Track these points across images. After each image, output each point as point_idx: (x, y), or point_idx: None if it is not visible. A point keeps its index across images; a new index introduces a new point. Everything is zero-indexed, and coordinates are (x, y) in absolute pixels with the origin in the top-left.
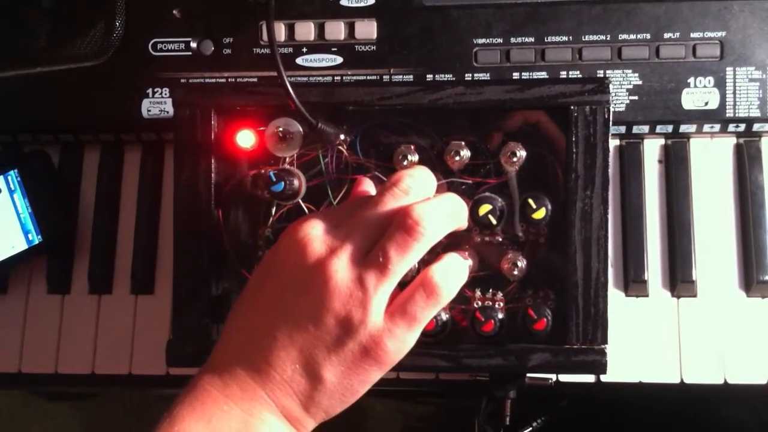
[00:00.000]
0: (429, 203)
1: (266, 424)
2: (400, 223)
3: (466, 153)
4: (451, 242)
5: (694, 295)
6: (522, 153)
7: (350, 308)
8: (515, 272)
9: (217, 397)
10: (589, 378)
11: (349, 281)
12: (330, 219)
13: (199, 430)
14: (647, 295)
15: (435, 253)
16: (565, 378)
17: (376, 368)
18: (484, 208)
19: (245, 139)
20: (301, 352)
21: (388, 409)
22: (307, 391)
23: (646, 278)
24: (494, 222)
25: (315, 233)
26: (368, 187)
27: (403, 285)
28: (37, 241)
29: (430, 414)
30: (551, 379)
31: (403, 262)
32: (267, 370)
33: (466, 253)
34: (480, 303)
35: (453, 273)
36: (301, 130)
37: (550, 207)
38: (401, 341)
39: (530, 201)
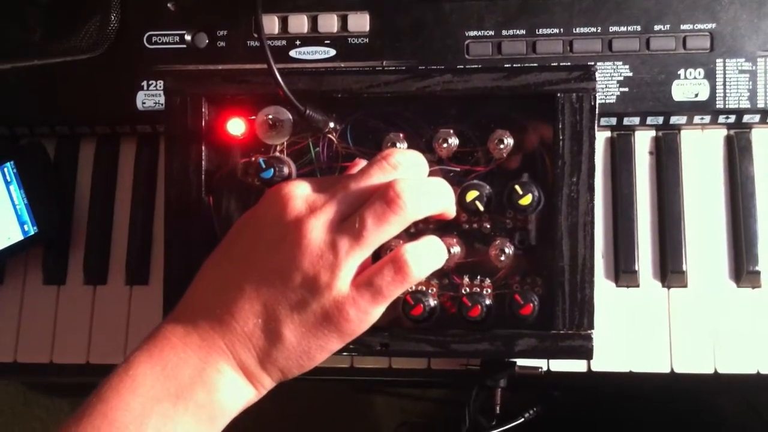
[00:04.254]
0: (414, 180)
1: (221, 373)
2: (382, 195)
3: (454, 141)
4: (439, 229)
5: (685, 286)
6: (509, 140)
7: (319, 269)
8: (503, 259)
9: (176, 344)
10: (580, 368)
11: (322, 242)
12: (315, 183)
13: (154, 375)
14: (638, 286)
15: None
16: (556, 368)
17: (336, 336)
18: (471, 195)
19: (236, 127)
20: (265, 307)
21: (389, 406)
22: (265, 347)
23: (636, 269)
24: (481, 208)
25: (298, 192)
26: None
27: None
28: (32, 232)
29: (429, 410)
30: (541, 368)
31: (378, 232)
32: (229, 320)
33: (455, 240)
34: (468, 289)
35: (426, 255)
36: (291, 118)
37: (536, 194)
38: (363, 312)
39: (517, 187)
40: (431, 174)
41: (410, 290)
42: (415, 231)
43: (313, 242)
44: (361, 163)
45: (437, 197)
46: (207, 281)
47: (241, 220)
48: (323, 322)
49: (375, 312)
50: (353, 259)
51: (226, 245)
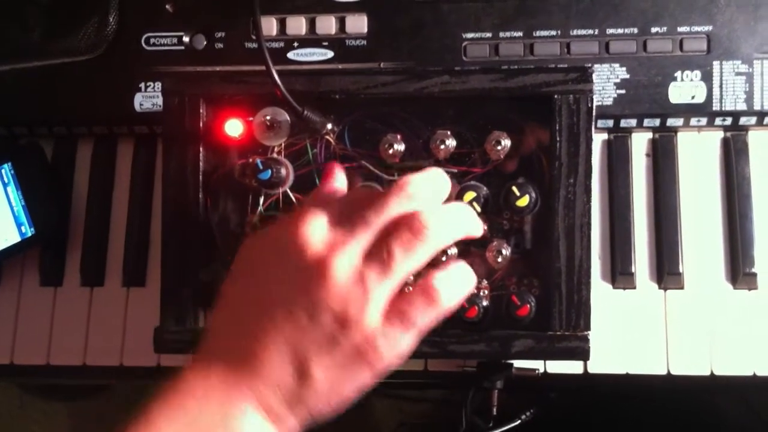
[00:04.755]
0: (439, 209)
1: (246, 418)
2: (408, 226)
3: (451, 142)
4: None
5: (681, 288)
6: (506, 142)
7: (347, 305)
8: (499, 260)
9: (197, 392)
10: (577, 369)
11: (349, 279)
12: (331, 213)
13: (175, 425)
14: (634, 288)
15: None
16: (553, 370)
17: (367, 370)
18: (469, 196)
19: (233, 128)
20: (293, 347)
21: (386, 407)
22: (293, 389)
23: (633, 271)
24: (478, 210)
25: (316, 232)
26: (339, 175)
27: None
28: (30, 234)
29: (427, 411)
30: (538, 369)
31: (406, 262)
32: (254, 363)
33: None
34: None
35: (456, 282)
36: (288, 119)
37: (533, 195)
38: (395, 345)
39: (514, 188)
40: None
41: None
42: None
43: (339, 280)
44: (337, 170)
45: (462, 224)
46: (225, 322)
47: (251, 255)
48: (354, 358)
49: (405, 343)
50: (382, 291)
51: (239, 282)
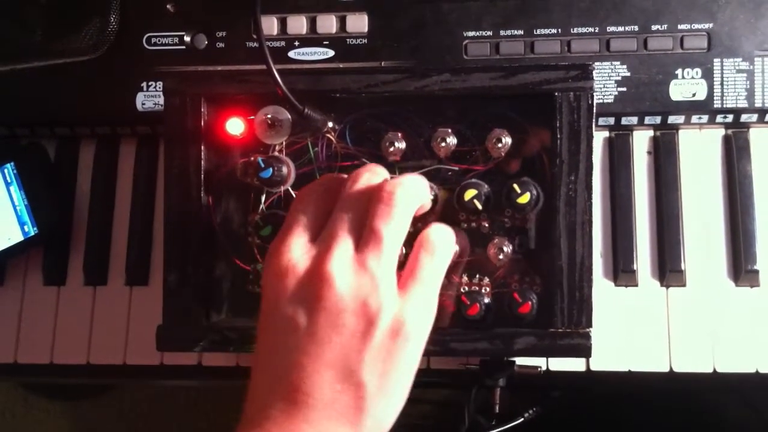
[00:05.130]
0: (392, 179)
1: None
2: (377, 198)
3: (452, 140)
4: None
5: (683, 285)
6: (507, 140)
7: (362, 298)
8: (501, 257)
9: None
10: (579, 367)
11: (350, 276)
12: (300, 232)
13: None
14: (636, 285)
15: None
16: (555, 367)
17: (411, 345)
18: (470, 194)
19: (235, 126)
20: (333, 367)
21: None
22: (351, 405)
23: (635, 268)
24: (480, 207)
25: (295, 253)
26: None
27: None
28: (33, 233)
29: (430, 411)
30: (540, 367)
31: (392, 231)
32: (304, 399)
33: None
34: (467, 288)
35: (444, 231)
36: (289, 117)
37: (535, 192)
38: (422, 307)
39: (515, 186)
40: (431, 172)
41: None
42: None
43: (342, 282)
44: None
45: (420, 184)
46: (263, 375)
47: (262, 309)
48: (393, 341)
49: (431, 303)
50: (386, 269)
51: (263, 339)
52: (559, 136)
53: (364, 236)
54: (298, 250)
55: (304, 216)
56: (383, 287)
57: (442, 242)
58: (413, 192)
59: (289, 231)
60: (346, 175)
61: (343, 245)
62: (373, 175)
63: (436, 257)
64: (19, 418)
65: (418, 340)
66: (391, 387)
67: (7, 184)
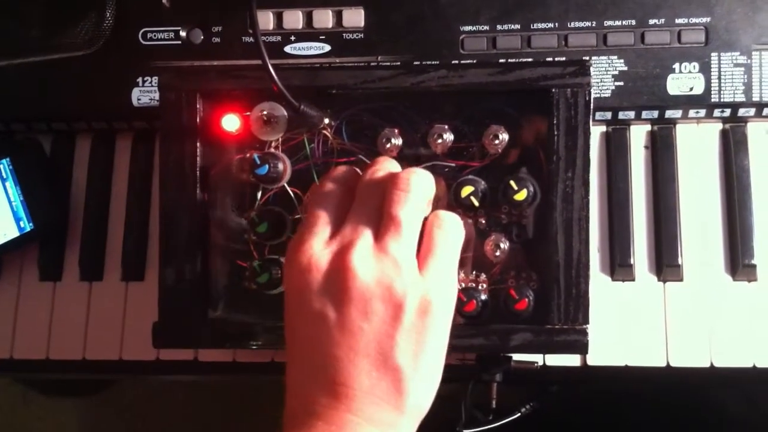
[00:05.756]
0: (404, 170)
1: None
2: (393, 184)
3: (449, 136)
4: None
5: (680, 280)
6: (504, 136)
7: (388, 284)
8: (498, 254)
9: None
10: (576, 362)
11: (373, 263)
12: (320, 227)
13: None
14: (633, 280)
15: None
16: (552, 363)
17: (440, 321)
18: (467, 190)
19: (230, 123)
20: (368, 355)
21: None
22: (391, 389)
23: (632, 263)
24: (476, 204)
25: (317, 249)
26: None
27: None
28: (28, 229)
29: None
30: (537, 362)
31: (410, 215)
32: (344, 390)
33: None
34: (463, 284)
35: (450, 213)
36: (285, 114)
37: (532, 189)
38: (445, 282)
39: (512, 182)
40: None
41: None
42: None
43: (365, 271)
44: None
45: (429, 175)
46: (300, 374)
47: (287, 309)
48: (422, 320)
49: (452, 275)
50: (407, 250)
51: (292, 338)
52: (555, 132)
53: (383, 223)
54: (319, 245)
55: (323, 211)
56: (406, 269)
57: (452, 218)
58: (427, 179)
59: (310, 227)
60: (353, 167)
61: (364, 236)
62: (388, 165)
63: (448, 231)
64: (17, 413)
65: (446, 315)
66: (426, 365)
67: (3, 180)
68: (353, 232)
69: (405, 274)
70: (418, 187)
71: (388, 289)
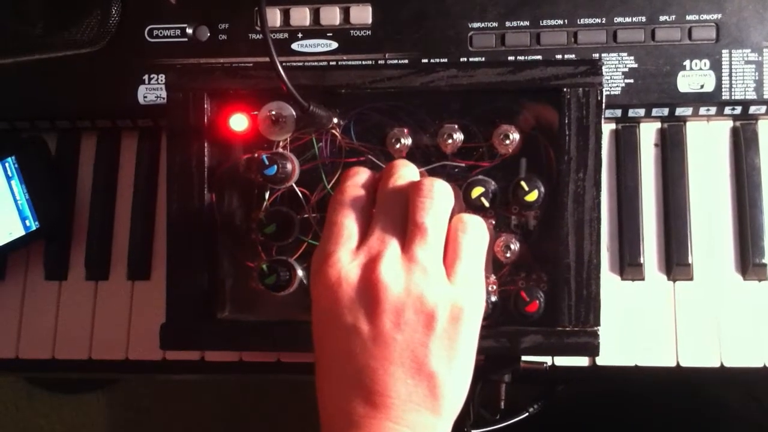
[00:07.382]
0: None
1: None
2: (415, 191)
3: (459, 136)
4: None
5: (690, 279)
6: (515, 136)
7: (419, 293)
8: (508, 255)
9: None
10: (585, 362)
11: (402, 273)
12: (345, 239)
13: None
14: (643, 279)
15: None
16: (560, 362)
17: (471, 325)
18: (477, 191)
19: (238, 122)
20: (402, 364)
21: None
22: (428, 395)
23: (641, 262)
24: (486, 204)
25: (344, 262)
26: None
27: None
28: (34, 228)
29: None
30: (546, 363)
31: (435, 221)
32: (382, 400)
33: None
34: None
35: (474, 218)
36: (293, 113)
37: (542, 189)
38: (473, 285)
39: (523, 183)
40: (437, 168)
41: None
42: None
43: (395, 282)
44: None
45: (446, 183)
46: (334, 385)
47: (315, 325)
48: (454, 326)
49: (479, 276)
50: (434, 257)
51: (322, 352)
52: (567, 132)
53: (409, 231)
54: (346, 258)
55: (346, 220)
56: (435, 277)
57: (476, 222)
58: (447, 186)
59: (335, 238)
60: (368, 170)
61: (391, 245)
62: (406, 169)
63: (474, 235)
64: (23, 410)
65: (476, 319)
66: (459, 367)
67: (8, 178)
68: (380, 242)
69: (434, 282)
70: (441, 193)
71: (419, 298)
